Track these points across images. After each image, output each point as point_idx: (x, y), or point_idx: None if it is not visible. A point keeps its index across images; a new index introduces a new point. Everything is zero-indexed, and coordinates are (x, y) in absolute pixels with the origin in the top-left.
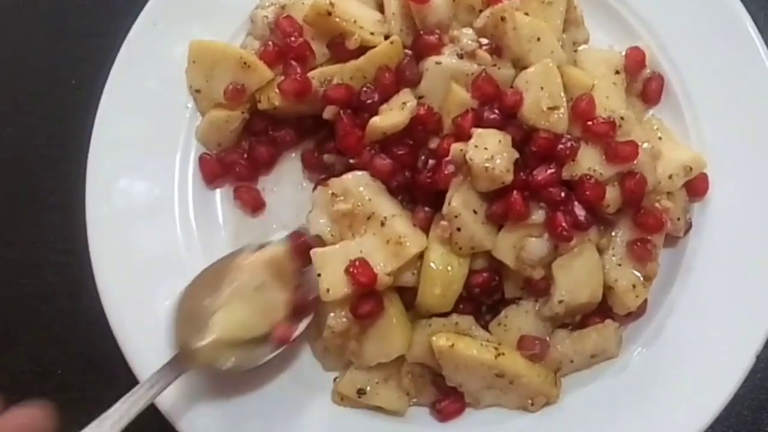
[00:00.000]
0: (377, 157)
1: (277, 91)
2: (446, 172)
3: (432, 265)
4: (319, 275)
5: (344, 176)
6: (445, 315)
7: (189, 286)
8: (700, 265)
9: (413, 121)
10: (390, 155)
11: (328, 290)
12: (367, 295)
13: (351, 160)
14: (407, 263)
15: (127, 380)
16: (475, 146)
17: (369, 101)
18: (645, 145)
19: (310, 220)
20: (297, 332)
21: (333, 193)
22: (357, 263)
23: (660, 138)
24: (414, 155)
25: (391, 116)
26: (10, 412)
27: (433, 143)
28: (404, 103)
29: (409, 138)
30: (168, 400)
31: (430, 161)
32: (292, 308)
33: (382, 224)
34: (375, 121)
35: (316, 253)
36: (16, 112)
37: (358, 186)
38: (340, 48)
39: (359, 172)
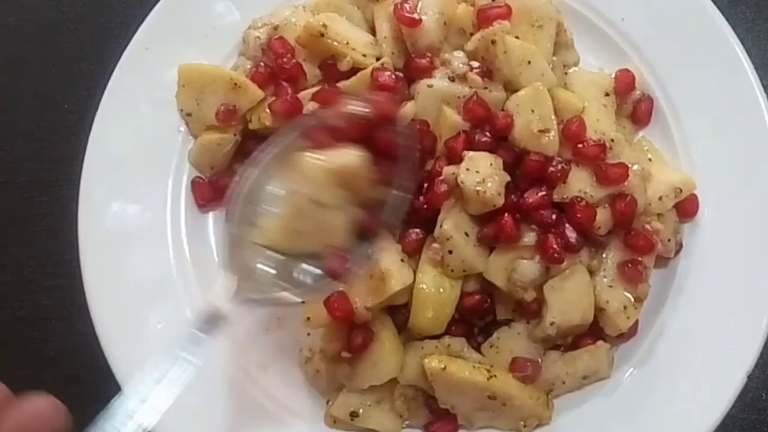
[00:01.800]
0: None
1: (267, 111)
2: (440, 191)
3: (424, 287)
4: (302, 301)
5: None
6: (437, 337)
7: (247, 175)
8: (691, 285)
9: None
10: None
11: (308, 318)
12: (356, 328)
13: None
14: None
15: None
16: (467, 169)
17: None
18: (635, 167)
19: None
20: (353, 269)
21: None
22: (335, 296)
23: (650, 160)
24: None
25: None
26: (20, 405)
27: (428, 166)
28: (404, 103)
29: None
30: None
31: (425, 185)
32: (355, 231)
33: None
34: None
35: None
36: (7, 136)
37: None
38: (332, 69)
39: None
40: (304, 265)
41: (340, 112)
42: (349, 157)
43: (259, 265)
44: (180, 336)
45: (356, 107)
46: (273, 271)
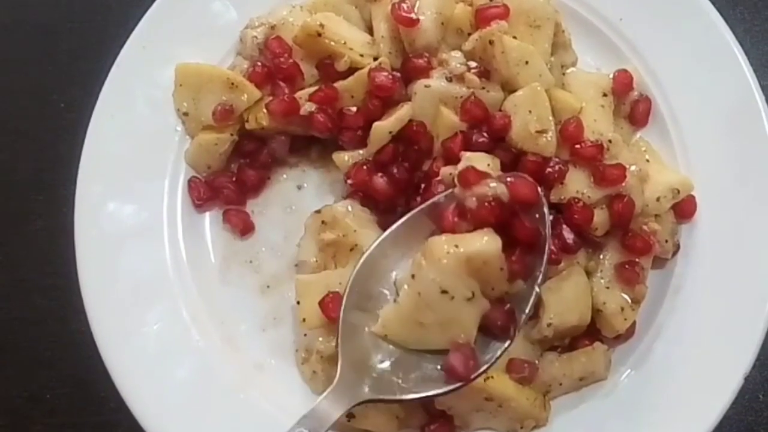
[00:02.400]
0: (375, 176)
1: (264, 111)
2: (437, 192)
3: None
4: (298, 303)
5: (336, 204)
6: None
7: (367, 255)
8: (688, 286)
9: (407, 139)
10: (387, 175)
11: (304, 320)
12: None
13: (348, 181)
14: None
15: (116, 404)
16: None
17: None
18: (633, 167)
19: (300, 246)
20: (479, 368)
21: (323, 221)
22: (330, 297)
23: (647, 160)
24: (410, 176)
25: (392, 117)
26: None
27: (425, 166)
28: (401, 104)
29: (405, 160)
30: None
31: (422, 185)
32: (484, 326)
33: None
34: (378, 124)
35: (298, 280)
36: (3, 135)
37: (347, 216)
38: (329, 69)
39: (350, 201)
40: (423, 363)
41: (475, 192)
42: (484, 243)
43: (373, 359)
44: None
45: (493, 188)
46: (387, 366)
